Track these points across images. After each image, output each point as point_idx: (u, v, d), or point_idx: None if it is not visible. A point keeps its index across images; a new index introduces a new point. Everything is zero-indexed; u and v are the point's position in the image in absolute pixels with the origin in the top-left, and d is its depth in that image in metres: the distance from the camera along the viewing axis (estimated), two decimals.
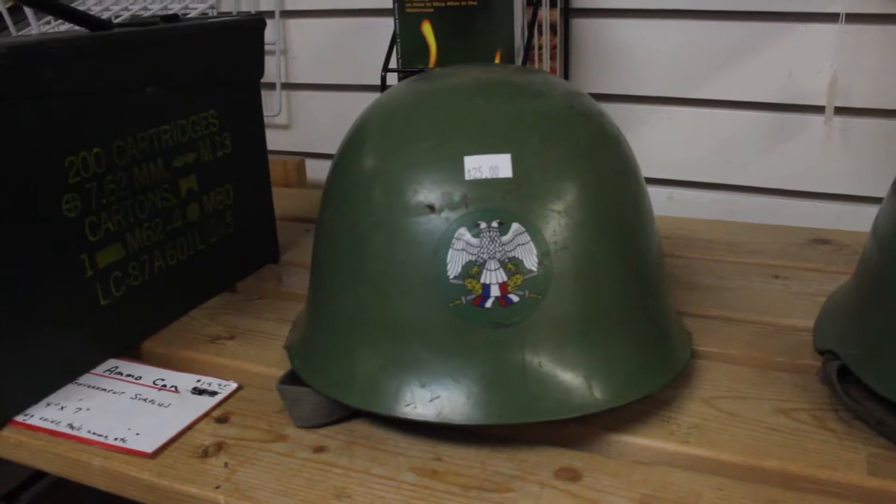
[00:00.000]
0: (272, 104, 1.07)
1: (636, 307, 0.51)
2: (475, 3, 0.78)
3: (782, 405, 0.52)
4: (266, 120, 1.09)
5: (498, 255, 0.46)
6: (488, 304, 0.46)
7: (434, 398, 0.46)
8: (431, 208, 0.47)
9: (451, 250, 0.47)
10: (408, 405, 0.47)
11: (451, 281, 0.47)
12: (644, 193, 0.55)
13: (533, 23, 0.81)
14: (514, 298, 0.46)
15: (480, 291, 0.46)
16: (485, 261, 0.46)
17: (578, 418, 0.49)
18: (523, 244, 0.46)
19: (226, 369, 0.60)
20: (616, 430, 0.50)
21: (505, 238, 0.46)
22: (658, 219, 0.89)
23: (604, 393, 0.47)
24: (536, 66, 0.85)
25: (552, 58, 0.89)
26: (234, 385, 0.56)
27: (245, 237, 0.74)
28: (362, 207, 0.51)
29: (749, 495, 0.45)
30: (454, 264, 0.47)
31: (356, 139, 0.54)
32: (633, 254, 0.51)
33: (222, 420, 0.53)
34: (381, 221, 0.49)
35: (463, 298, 0.47)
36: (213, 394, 0.55)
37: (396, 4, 0.81)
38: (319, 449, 0.50)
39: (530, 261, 0.47)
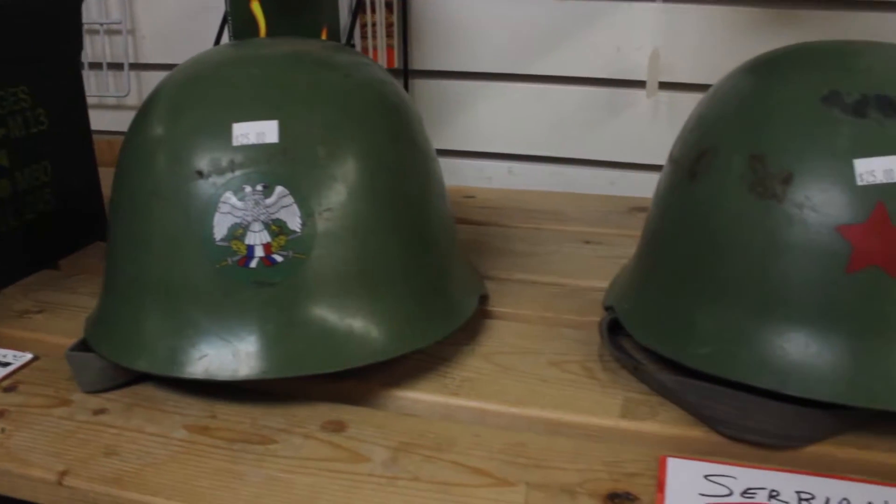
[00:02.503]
0: (121, 84, 1.07)
1: (411, 266, 0.53)
2: None
3: (558, 358, 0.55)
4: (115, 101, 1.09)
5: (262, 218, 0.48)
6: (253, 264, 0.48)
7: (202, 357, 0.48)
8: (200, 174, 0.49)
9: (217, 214, 0.48)
10: (177, 365, 0.48)
11: (217, 243, 0.48)
12: (426, 160, 0.57)
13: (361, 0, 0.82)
14: (279, 258, 0.48)
15: (245, 252, 0.48)
16: (249, 223, 0.48)
17: (356, 374, 0.51)
18: (287, 206, 0.48)
19: (27, 341, 0.60)
20: (392, 386, 0.52)
21: (269, 201, 0.48)
22: (495, 191, 0.93)
23: (369, 347, 0.49)
24: (369, 42, 0.87)
25: (389, 35, 0.90)
26: (29, 356, 0.57)
27: (67, 215, 0.74)
28: (143, 175, 0.52)
29: (501, 440, 0.47)
30: (220, 227, 0.48)
31: (143, 109, 0.55)
32: (408, 216, 0.53)
33: (10, 389, 0.53)
34: (157, 188, 0.50)
35: (229, 259, 0.48)
36: (6, 365, 0.56)
37: None
38: (100, 411, 0.51)
39: (294, 222, 0.48)
